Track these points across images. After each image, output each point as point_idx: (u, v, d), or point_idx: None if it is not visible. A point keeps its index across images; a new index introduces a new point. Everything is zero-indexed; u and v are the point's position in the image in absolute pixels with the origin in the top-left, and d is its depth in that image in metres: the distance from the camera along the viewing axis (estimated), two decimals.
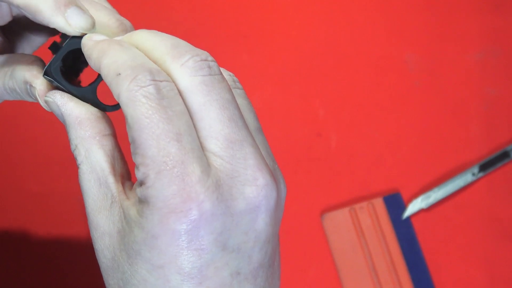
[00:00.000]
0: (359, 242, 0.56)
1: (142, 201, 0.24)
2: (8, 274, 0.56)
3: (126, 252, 0.25)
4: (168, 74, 0.25)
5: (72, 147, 0.26)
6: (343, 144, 0.58)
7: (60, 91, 0.27)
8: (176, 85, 0.25)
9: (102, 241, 0.26)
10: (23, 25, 0.31)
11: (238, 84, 0.28)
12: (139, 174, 0.24)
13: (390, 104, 0.59)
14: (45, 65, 0.27)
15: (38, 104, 0.28)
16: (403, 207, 0.56)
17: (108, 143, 0.26)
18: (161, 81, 0.24)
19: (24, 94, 0.28)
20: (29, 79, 0.27)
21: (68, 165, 0.57)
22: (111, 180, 0.26)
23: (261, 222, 0.25)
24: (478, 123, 0.59)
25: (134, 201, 0.25)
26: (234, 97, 0.25)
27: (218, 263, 0.25)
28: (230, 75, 0.28)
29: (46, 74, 0.27)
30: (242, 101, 0.27)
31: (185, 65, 0.25)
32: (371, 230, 0.56)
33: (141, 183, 0.24)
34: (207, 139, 0.24)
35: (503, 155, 0.57)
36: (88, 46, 0.26)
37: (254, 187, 0.25)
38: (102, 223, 0.26)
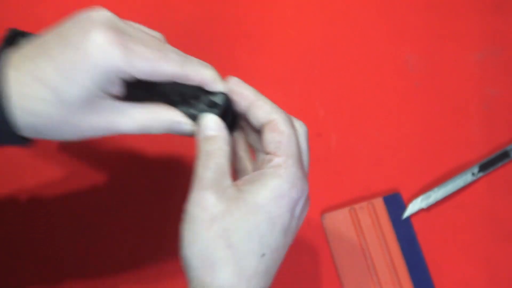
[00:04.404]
0: (359, 242, 0.56)
1: (273, 172, 0.38)
2: (8, 274, 0.56)
3: (251, 207, 0.37)
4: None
5: (216, 146, 0.39)
6: (343, 144, 0.58)
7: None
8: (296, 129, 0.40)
9: (210, 182, 0.37)
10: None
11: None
12: (272, 150, 0.39)
13: (390, 104, 0.59)
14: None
15: None
16: (403, 207, 0.56)
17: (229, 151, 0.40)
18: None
19: (163, 131, 0.40)
20: (180, 120, 0.40)
21: (67, 165, 0.57)
22: (227, 176, 0.38)
23: (297, 230, 0.41)
24: (478, 123, 0.59)
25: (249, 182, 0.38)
26: None
27: (292, 231, 0.39)
28: None
29: (222, 117, 0.40)
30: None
31: (302, 127, 0.41)
32: (371, 230, 0.56)
33: (274, 166, 0.38)
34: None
35: (503, 155, 0.57)
36: (272, 110, 0.40)
37: (306, 208, 0.40)
38: (209, 197, 0.37)
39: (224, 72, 0.60)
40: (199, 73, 0.39)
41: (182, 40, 0.61)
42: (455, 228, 0.56)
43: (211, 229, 0.36)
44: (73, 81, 0.36)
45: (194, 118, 0.40)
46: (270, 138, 0.39)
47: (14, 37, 0.43)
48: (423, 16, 0.61)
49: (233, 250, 0.36)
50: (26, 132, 0.38)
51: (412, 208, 0.56)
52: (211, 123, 0.39)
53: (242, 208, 0.36)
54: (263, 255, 0.37)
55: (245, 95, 0.40)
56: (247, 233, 0.36)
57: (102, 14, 0.37)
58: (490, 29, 0.60)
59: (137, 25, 0.41)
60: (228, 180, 0.38)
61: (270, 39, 0.61)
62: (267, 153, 0.39)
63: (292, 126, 0.40)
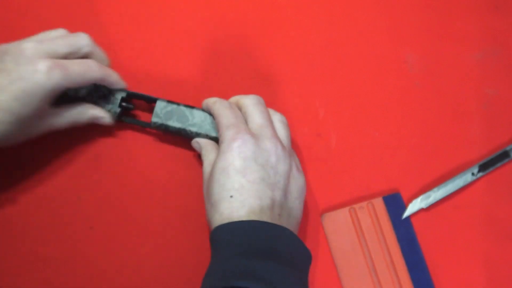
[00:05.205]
0: (359, 242, 0.56)
1: (220, 142, 0.50)
2: (8, 274, 0.56)
3: (213, 169, 0.49)
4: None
5: (203, 152, 0.53)
6: (343, 144, 0.58)
7: (202, 139, 0.55)
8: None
9: (206, 174, 0.51)
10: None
11: (283, 118, 0.54)
12: (219, 131, 0.51)
13: (390, 104, 0.59)
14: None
15: None
16: (403, 207, 0.57)
17: (215, 149, 0.53)
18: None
19: (88, 123, 0.54)
20: (99, 115, 0.55)
21: (67, 166, 0.57)
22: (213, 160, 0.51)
23: (273, 159, 0.50)
24: (478, 123, 0.59)
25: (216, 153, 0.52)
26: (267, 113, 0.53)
27: (253, 168, 0.48)
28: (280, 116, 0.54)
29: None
30: (278, 124, 0.53)
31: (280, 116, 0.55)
32: (371, 230, 0.56)
33: (220, 135, 0.51)
34: (252, 124, 0.52)
35: (503, 155, 0.57)
36: (212, 103, 0.54)
37: (268, 141, 0.50)
38: (208, 171, 0.51)
39: (224, 72, 0.60)
40: (110, 75, 0.53)
41: (182, 41, 0.61)
42: (455, 228, 0.56)
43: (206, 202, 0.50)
44: (29, 105, 0.48)
45: (115, 112, 0.55)
46: (216, 122, 0.52)
47: None
48: (423, 16, 0.61)
49: (213, 204, 0.48)
50: None
51: (412, 208, 0.56)
52: (198, 144, 0.54)
53: (206, 176, 0.51)
54: (231, 196, 0.48)
55: (205, 103, 0.55)
56: (213, 188, 0.49)
57: (30, 46, 0.49)
58: (490, 29, 0.60)
59: (51, 34, 0.52)
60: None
61: (270, 39, 0.61)
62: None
63: (220, 107, 0.52)
